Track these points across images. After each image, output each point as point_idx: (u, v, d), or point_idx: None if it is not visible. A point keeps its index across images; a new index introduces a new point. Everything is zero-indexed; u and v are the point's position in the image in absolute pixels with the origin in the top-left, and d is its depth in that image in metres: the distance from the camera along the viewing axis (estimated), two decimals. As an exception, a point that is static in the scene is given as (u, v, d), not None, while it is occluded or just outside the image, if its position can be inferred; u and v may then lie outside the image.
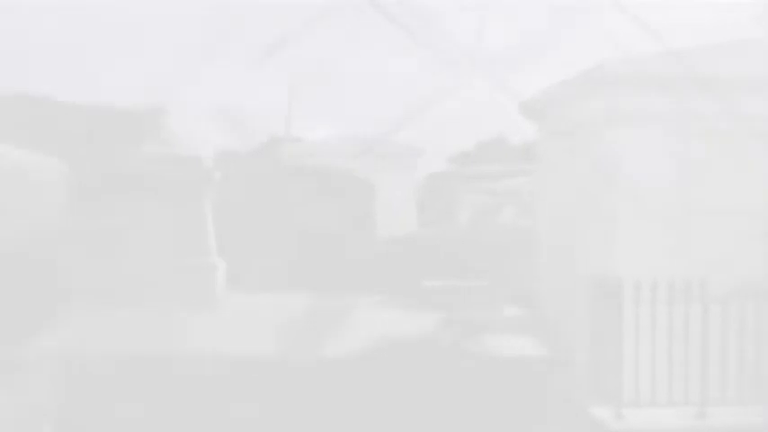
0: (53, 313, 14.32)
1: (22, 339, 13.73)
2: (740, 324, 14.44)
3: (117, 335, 14.37)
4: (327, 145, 31.11)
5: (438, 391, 14.20)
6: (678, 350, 15.01)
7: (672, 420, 13.82)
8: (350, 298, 17.72)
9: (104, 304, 15.04)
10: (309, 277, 20.04)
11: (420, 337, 14.78)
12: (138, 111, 19.00)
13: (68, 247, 15.48)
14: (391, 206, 29.15)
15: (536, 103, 18.73)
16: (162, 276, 15.65)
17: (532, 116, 19.75)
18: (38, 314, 14.14)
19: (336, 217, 20.22)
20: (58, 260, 14.81)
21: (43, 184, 16.11)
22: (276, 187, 20.32)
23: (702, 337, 14.32)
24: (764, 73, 15.02)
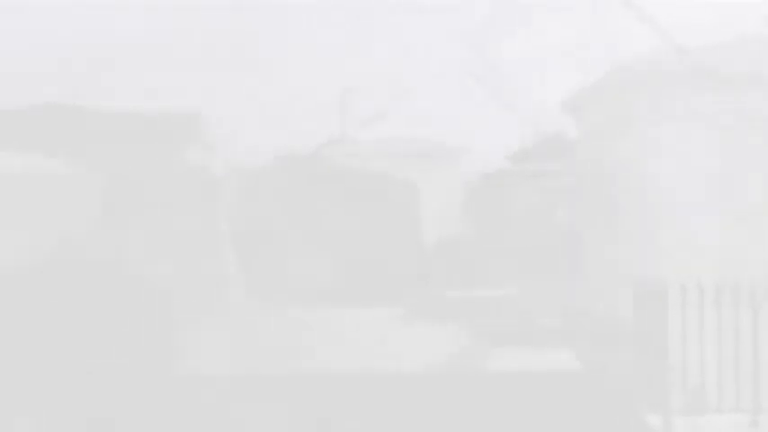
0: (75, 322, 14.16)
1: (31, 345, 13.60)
2: (793, 327, 13.79)
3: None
4: (376, 146, 30.74)
5: (478, 410, 13.68)
6: (727, 355, 14.37)
7: (723, 429, 13.25)
8: (373, 310, 17.15)
9: (120, 314, 14.78)
10: (337, 287, 19.55)
11: (448, 354, 14.19)
12: (175, 116, 18.74)
13: (94, 257, 15.26)
14: (438, 207, 28.72)
15: (576, 101, 18.15)
16: (172, 287, 15.29)
17: (573, 114, 19.18)
18: (59, 322, 13.99)
19: (376, 221, 19.79)
20: (84, 270, 14.59)
21: (77, 195, 15.92)
22: (313, 192, 19.95)
23: (753, 342, 13.68)
24: None
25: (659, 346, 14.07)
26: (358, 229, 19.45)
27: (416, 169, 27.79)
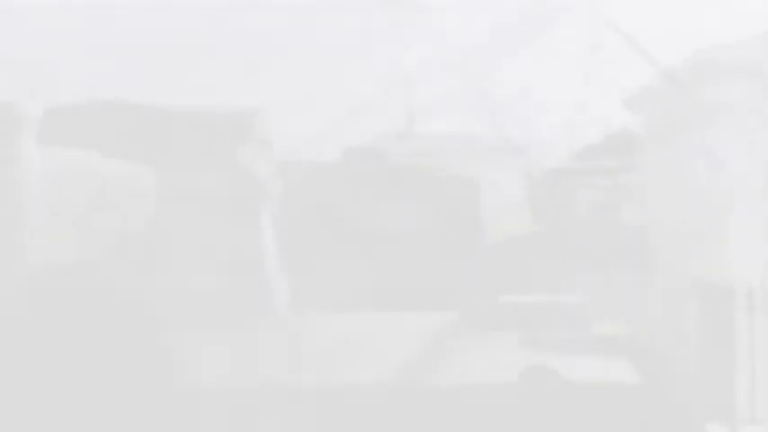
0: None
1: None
2: None
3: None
4: (442, 141, 30.31)
5: (531, 423, 13.17)
6: (798, 362, 13.71)
7: (792, 439, 12.70)
8: (422, 316, 16.56)
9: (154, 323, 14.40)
10: (389, 292, 18.94)
11: (500, 364, 13.62)
12: (233, 113, 18.47)
13: (143, 261, 15.06)
14: (503, 203, 28.22)
15: (640, 97, 17.52)
16: (215, 295, 14.92)
17: (637, 111, 18.54)
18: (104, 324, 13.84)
19: (434, 221, 19.32)
20: (133, 273, 14.42)
21: (130, 195, 15.76)
22: (368, 190, 19.52)
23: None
24: None
25: (726, 353, 13.52)
26: (412, 231, 19.01)
27: (477, 166, 27.30)
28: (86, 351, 13.97)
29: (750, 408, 13.49)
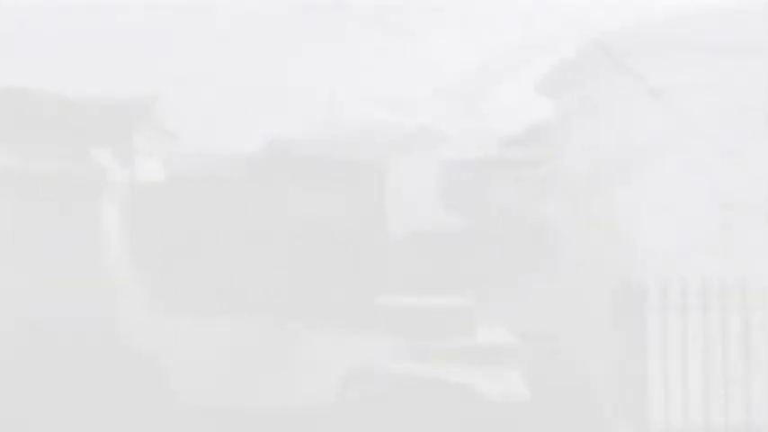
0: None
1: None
2: (788, 335, 12.48)
3: None
4: (352, 129, 29.58)
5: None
6: (714, 365, 12.98)
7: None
8: (293, 322, 15.47)
9: None
10: (261, 295, 17.77)
11: (365, 377, 12.47)
12: (126, 102, 17.43)
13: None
14: (409, 198, 27.45)
15: (551, 80, 16.68)
16: (53, 297, 13.73)
17: (548, 94, 17.75)
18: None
19: (330, 214, 18.28)
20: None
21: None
22: (260, 182, 18.40)
23: (743, 350, 12.47)
24: None
25: (637, 353, 12.68)
26: (305, 226, 17.95)
27: (389, 155, 26.39)
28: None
29: (664, 415, 12.68)
